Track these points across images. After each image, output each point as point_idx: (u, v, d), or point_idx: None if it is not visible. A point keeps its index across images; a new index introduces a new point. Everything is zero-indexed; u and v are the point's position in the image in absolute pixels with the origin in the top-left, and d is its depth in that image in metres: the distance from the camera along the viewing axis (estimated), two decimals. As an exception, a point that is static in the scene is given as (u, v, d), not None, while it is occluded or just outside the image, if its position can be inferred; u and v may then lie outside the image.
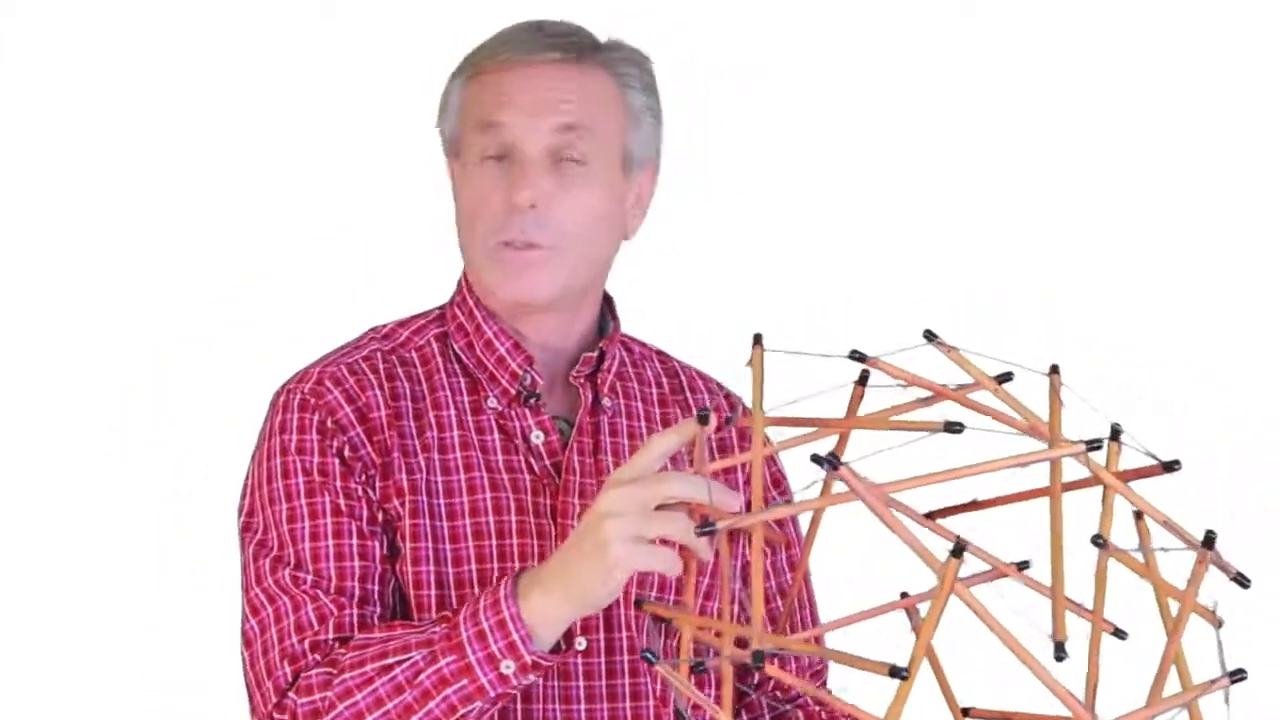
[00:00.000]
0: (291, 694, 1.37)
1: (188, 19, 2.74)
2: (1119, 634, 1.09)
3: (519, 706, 1.46)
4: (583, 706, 1.48)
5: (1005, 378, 1.09)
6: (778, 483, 1.65)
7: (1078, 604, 1.07)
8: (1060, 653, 0.98)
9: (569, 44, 1.51)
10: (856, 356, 1.10)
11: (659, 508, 1.20)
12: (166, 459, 2.66)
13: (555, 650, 1.33)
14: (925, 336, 1.09)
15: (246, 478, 1.51)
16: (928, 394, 1.11)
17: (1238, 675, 1.02)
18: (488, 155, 1.50)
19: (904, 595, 1.08)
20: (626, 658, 1.49)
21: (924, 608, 1.05)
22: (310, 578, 1.43)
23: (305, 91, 2.74)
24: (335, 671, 1.36)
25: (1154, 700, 1.02)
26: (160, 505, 2.65)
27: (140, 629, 2.66)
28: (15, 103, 2.72)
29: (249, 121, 2.73)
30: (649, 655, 1.14)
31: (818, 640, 1.66)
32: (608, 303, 1.61)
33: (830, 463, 1.02)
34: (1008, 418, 1.07)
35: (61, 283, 2.72)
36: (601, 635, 1.49)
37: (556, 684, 1.48)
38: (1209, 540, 1.03)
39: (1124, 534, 1.08)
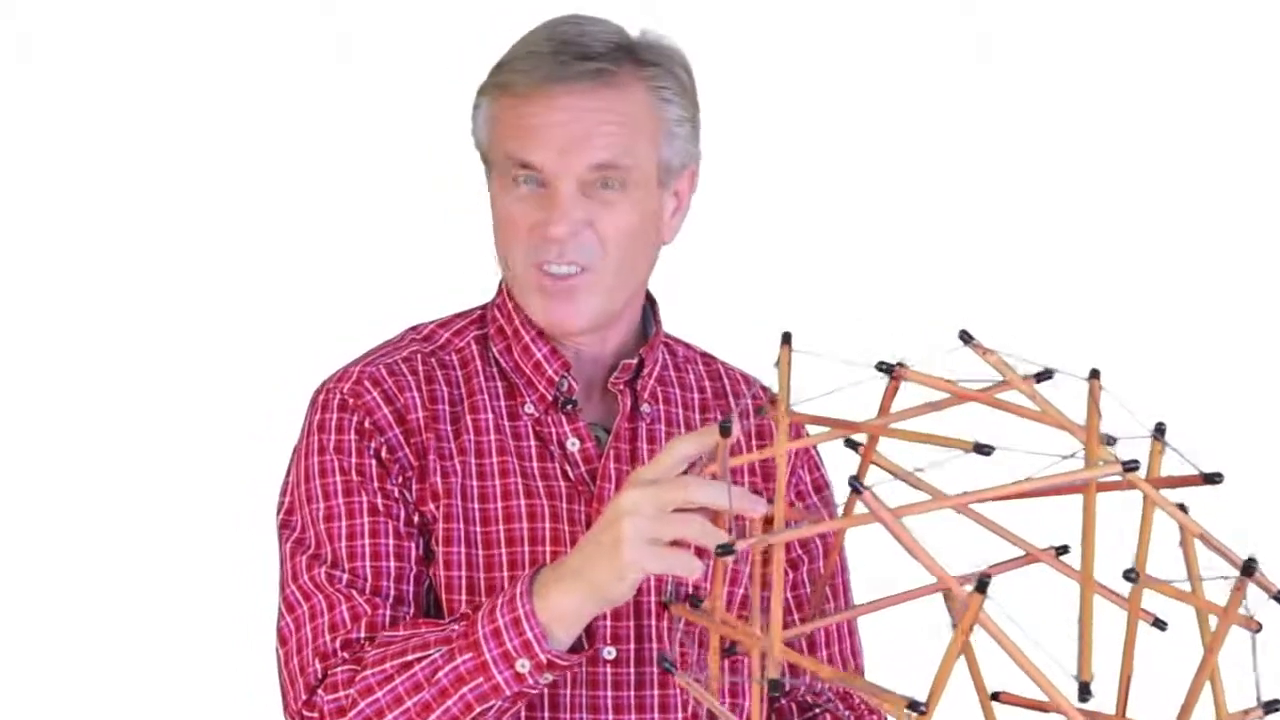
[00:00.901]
0: (320, 691, 1.38)
1: (227, 14, 2.74)
2: (1159, 624, 1.05)
3: (546, 715, 1.45)
4: (610, 717, 1.46)
5: (1044, 375, 1.04)
6: (820, 489, 1.62)
7: (1113, 591, 1.03)
8: (1085, 694, 0.94)
9: (599, 67, 1.43)
10: (884, 368, 1.07)
11: (680, 510, 1.18)
12: (205, 456, 2.67)
13: (576, 650, 1.31)
14: (961, 338, 1.05)
15: (286, 475, 1.52)
16: (946, 395, 1.06)
17: (1272, 706, 0.99)
18: (519, 176, 1.46)
19: None
20: (656, 669, 1.47)
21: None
22: (346, 576, 1.42)
23: (339, 87, 2.73)
24: (359, 669, 1.36)
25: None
26: (200, 503, 2.66)
27: (178, 627, 2.67)
28: (39, 105, 2.72)
29: (285, 118, 2.73)
30: (667, 663, 1.13)
31: (850, 626, 1.64)
32: (651, 305, 1.59)
33: (854, 486, 1.00)
34: (1042, 417, 1.03)
35: (102, 281, 2.73)
36: (631, 646, 1.47)
37: (584, 694, 1.46)
38: (1248, 568, 0.99)
39: (1165, 533, 1.05)
